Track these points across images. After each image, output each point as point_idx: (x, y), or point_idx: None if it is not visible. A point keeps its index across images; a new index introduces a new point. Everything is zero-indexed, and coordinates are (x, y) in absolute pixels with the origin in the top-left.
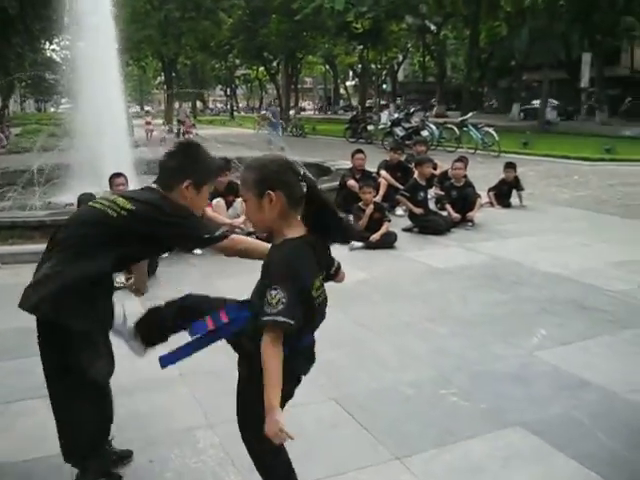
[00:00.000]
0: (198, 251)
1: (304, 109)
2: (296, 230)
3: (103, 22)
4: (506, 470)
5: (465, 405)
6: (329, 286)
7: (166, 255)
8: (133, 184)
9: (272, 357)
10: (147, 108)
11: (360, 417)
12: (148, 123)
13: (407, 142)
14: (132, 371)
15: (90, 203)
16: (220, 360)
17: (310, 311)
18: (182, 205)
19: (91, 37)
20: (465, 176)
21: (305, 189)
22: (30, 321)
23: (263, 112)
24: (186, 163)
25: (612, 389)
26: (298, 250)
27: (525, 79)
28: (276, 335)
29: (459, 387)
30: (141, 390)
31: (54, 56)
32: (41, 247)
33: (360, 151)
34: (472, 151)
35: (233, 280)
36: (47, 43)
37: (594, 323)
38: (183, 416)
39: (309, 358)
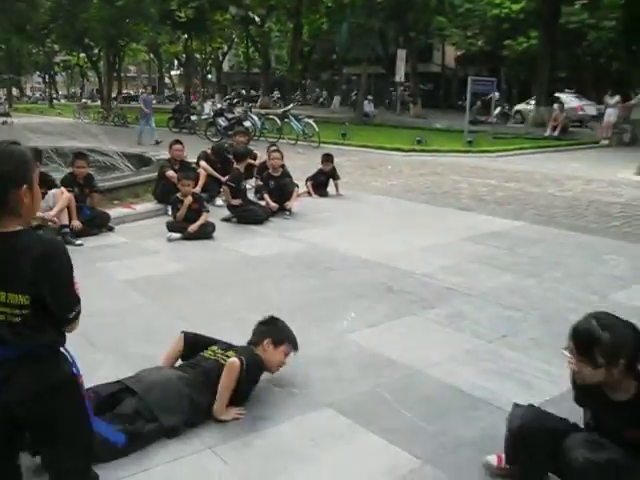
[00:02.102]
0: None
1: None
2: None
3: None
4: (315, 450)
5: (278, 390)
6: (146, 277)
7: None
8: None
9: None
10: None
11: None
12: None
13: (229, 132)
14: None
15: None
16: None
17: None
18: None
19: None
20: (282, 166)
21: None
22: None
23: (84, 100)
24: None
25: (414, 365)
26: None
27: (345, 72)
28: None
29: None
30: None
31: None
32: None
33: (178, 142)
34: (293, 142)
35: None
36: None
37: (400, 305)
38: None
39: None
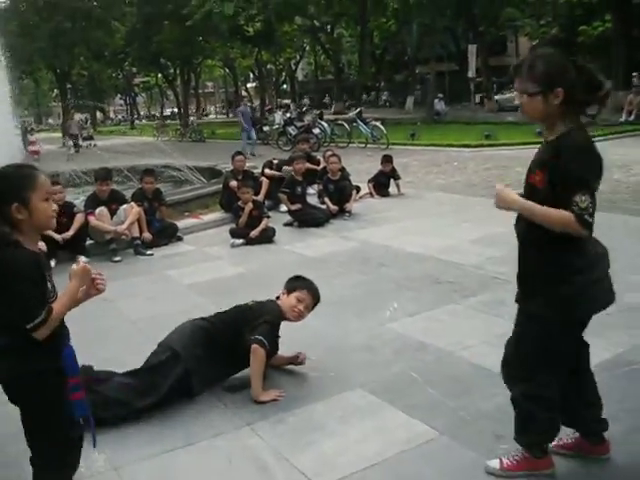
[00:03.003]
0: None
1: (207, 114)
2: None
3: None
4: (343, 425)
5: (314, 375)
6: (208, 281)
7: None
8: None
9: None
10: (32, 125)
11: None
12: (32, 143)
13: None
14: None
15: None
16: None
17: None
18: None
19: None
20: (341, 169)
21: None
22: None
23: (162, 120)
24: None
25: (447, 349)
26: None
27: (418, 72)
28: None
29: (312, 360)
30: None
31: None
32: None
33: (240, 153)
34: (363, 145)
35: None
36: None
37: (443, 294)
38: None
39: None
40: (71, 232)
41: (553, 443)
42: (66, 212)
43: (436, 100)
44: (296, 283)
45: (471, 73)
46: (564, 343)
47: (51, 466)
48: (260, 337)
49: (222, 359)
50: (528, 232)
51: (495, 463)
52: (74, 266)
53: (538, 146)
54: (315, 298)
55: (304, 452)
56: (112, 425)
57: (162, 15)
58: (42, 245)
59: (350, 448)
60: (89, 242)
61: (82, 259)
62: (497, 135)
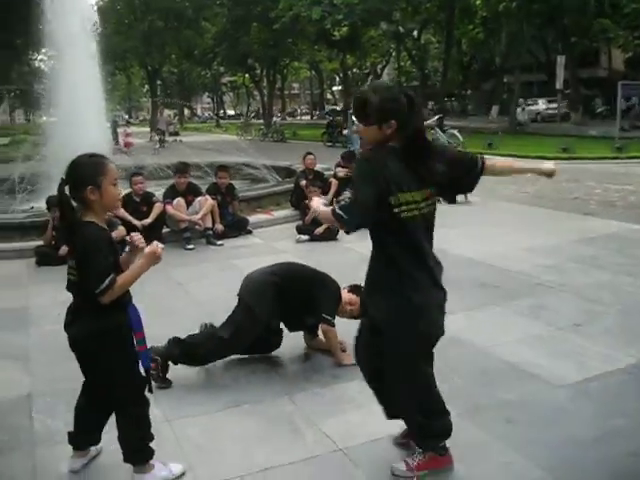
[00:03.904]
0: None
1: (294, 114)
2: None
3: (82, 34)
4: (370, 402)
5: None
6: None
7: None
8: None
9: None
10: (128, 118)
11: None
12: (127, 135)
13: None
14: None
15: None
16: None
17: None
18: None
19: (71, 49)
20: None
21: None
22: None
23: (247, 119)
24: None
25: (480, 345)
26: None
27: (506, 82)
28: None
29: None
30: None
31: (42, 66)
32: (20, 245)
33: (310, 153)
34: None
35: None
36: (35, 54)
37: (486, 296)
38: None
39: None
40: (150, 219)
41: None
42: (146, 201)
43: (519, 110)
44: (359, 290)
45: (559, 84)
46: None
47: (134, 407)
48: (330, 318)
49: (293, 315)
50: None
51: (401, 465)
52: (148, 248)
53: (615, 161)
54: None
55: (333, 420)
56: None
57: (251, 17)
58: (122, 229)
59: (374, 421)
60: (165, 230)
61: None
62: (576, 148)
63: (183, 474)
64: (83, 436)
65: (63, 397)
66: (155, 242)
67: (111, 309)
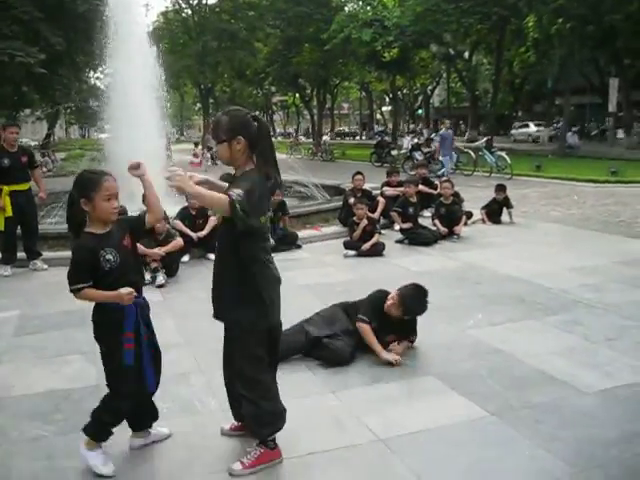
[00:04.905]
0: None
1: (345, 134)
2: None
3: (141, 52)
4: (410, 400)
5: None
6: (319, 283)
7: (186, 259)
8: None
9: None
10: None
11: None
12: (195, 155)
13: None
14: None
15: None
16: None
17: None
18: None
19: (130, 67)
20: (454, 194)
21: None
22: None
23: (297, 138)
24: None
25: (515, 354)
26: None
27: (558, 104)
28: None
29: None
30: None
31: (98, 84)
32: None
33: (359, 172)
34: (487, 174)
35: None
36: (91, 72)
37: (525, 311)
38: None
39: None
40: (204, 232)
41: (227, 427)
42: (202, 214)
43: (569, 133)
44: (402, 287)
45: (611, 107)
46: None
47: (113, 394)
48: (365, 317)
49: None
50: None
51: (237, 465)
52: (123, 290)
53: None
54: (402, 306)
55: (374, 415)
56: None
57: (302, 38)
58: (180, 240)
59: (412, 416)
60: None
61: (211, 257)
62: (625, 172)
63: (110, 477)
64: (139, 419)
65: None
66: (130, 289)
67: (105, 306)
